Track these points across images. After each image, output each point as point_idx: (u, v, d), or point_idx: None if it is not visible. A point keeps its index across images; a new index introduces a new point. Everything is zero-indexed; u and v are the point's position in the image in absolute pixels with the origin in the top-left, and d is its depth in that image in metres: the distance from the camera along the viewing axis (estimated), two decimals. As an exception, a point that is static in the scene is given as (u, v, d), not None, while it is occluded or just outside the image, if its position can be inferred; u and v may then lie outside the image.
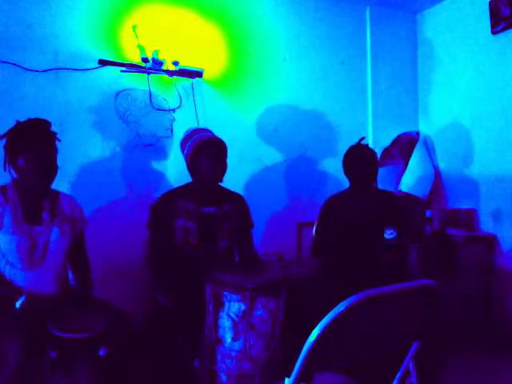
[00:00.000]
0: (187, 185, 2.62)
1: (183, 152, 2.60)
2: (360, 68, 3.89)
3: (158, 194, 2.72)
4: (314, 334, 1.23)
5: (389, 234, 2.61)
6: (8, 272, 2.01)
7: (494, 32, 3.34)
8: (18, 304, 1.86)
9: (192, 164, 2.54)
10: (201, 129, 2.66)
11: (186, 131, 2.65)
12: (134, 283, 2.94)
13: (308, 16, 3.70)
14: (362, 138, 2.85)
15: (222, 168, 2.54)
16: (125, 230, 3.03)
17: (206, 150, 2.49)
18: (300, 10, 3.66)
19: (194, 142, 2.52)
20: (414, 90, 4.10)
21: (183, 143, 2.60)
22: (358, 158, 2.74)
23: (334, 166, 3.64)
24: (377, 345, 1.44)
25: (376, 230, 2.73)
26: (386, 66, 3.95)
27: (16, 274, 2.01)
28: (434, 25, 3.96)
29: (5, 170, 2.04)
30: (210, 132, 2.62)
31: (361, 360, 1.48)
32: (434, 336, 1.65)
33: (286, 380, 1.37)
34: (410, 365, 1.60)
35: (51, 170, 2.06)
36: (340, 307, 1.24)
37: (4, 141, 2.04)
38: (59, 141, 2.10)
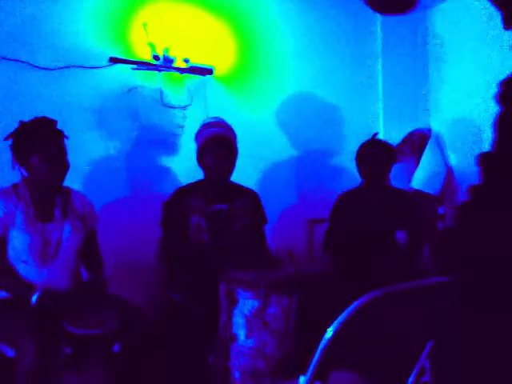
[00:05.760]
0: (199, 181, 2.61)
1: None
2: (370, 64, 3.86)
3: (169, 192, 2.72)
4: (330, 331, 1.23)
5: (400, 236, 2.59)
6: (22, 269, 2.02)
7: (506, 27, 3.30)
8: (33, 299, 1.87)
9: (199, 161, 2.54)
10: (213, 122, 2.61)
11: (201, 124, 2.63)
12: (146, 280, 2.94)
13: (318, 12, 3.67)
14: (376, 134, 2.83)
15: (226, 166, 2.51)
16: (136, 227, 3.03)
17: (210, 148, 2.48)
18: (309, 5, 3.63)
19: (200, 139, 2.52)
20: (426, 87, 4.07)
21: (196, 137, 2.60)
22: (370, 155, 2.72)
23: (344, 163, 3.61)
24: (392, 342, 1.43)
25: (387, 228, 2.72)
26: (396, 61, 3.92)
27: (29, 271, 2.02)
28: (445, 20, 3.92)
29: (13, 169, 2.06)
30: (221, 126, 2.58)
31: (376, 357, 1.47)
32: (450, 334, 1.64)
33: (301, 378, 1.37)
34: (426, 363, 1.59)
35: (63, 167, 2.09)
36: (356, 304, 1.23)
37: (10, 140, 2.06)
38: (67, 138, 2.12)
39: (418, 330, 1.52)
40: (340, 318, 1.23)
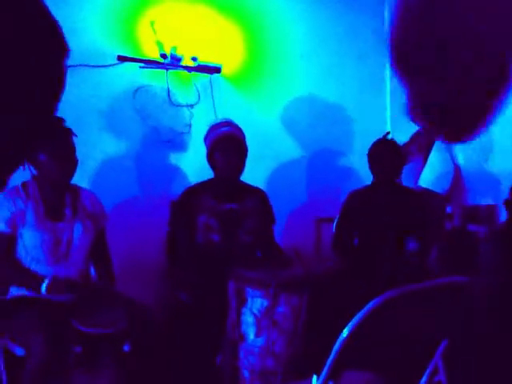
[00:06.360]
0: (209, 181, 2.61)
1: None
2: (378, 63, 3.84)
3: (176, 191, 2.71)
4: (346, 330, 1.22)
5: (411, 246, 2.56)
6: (33, 268, 2.02)
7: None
8: (43, 286, 1.88)
9: (209, 161, 2.55)
10: (222, 122, 2.63)
11: (209, 125, 2.64)
12: (154, 280, 2.94)
13: (325, 11, 3.65)
14: (387, 133, 2.82)
15: (236, 165, 2.51)
16: (145, 227, 3.03)
17: (220, 147, 2.48)
18: (317, 4, 3.62)
19: (210, 139, 2.53)
20: (433, 85, 4.04)
21: (205, 139, 2.60)
22: (382, 154, 2.70)
23: (352, 162, 3.61)
24: (406, 342, 1.42)
25: (397, 228, 2.70)
26: (404, 60, 3.89)
27: (41, 270, 2.02)
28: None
29: (23, 168, 2.05)
30: (231, 125, 2.59)
31: (390, 357, 1.46)
32: (463, 333, 1.63)
33: (314, 377, 1.36)
34: (439, 362, 1.58)
35: (72, 164, 2.08)
36: (371, 305, 1.22)
37: None
38: (76, 136, 2.11)
39: (431, 330, 1.51)
40: (355, 319, 1.22)
